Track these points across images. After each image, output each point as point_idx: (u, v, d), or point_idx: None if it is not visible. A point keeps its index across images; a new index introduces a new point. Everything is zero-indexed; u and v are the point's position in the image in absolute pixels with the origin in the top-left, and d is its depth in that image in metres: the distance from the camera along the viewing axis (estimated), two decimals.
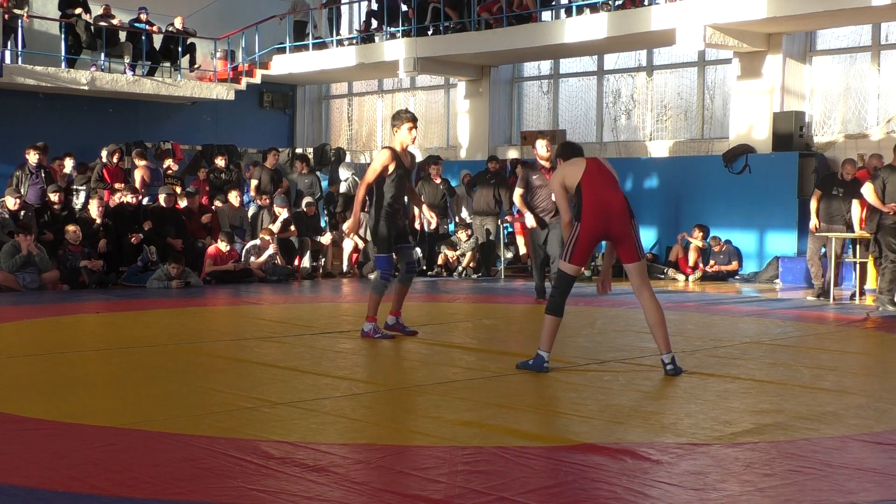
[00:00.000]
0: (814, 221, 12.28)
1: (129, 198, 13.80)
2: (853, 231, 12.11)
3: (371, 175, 8.03)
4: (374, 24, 19.99)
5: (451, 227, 16.70)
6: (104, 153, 15.64)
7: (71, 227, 12.77)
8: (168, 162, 16.88)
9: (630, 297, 12.29)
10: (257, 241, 14.37)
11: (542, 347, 6.63)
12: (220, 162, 16.39)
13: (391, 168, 8.01)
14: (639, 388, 6.12)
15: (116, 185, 14.81)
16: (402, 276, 8.36)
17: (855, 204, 12.02)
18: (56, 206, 13.26)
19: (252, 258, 14.15)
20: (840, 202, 12.14)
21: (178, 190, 15.04)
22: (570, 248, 6.56)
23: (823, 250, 12.67)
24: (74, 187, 15.42)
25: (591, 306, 11.18)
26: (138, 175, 15.25)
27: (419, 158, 19.12)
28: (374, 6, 20.14)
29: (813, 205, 12.32)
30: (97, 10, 18.43)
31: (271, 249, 14.24)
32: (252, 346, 8.00)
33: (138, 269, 13.13)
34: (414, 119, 8.08)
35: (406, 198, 8.41)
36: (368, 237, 15.68)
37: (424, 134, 20.82)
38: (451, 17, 17.99)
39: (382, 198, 8.08)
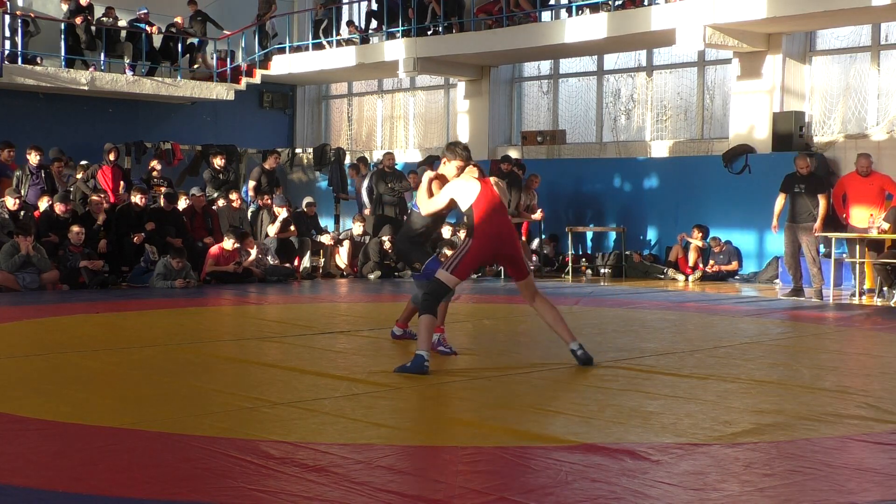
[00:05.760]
0: (773, 222, 12.60)
1: (136, 198, 13.76)
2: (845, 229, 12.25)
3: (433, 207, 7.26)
4: (375, 24, 20.01)
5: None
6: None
7: (75, 228, 12.77)
8: (153, 163, 16.78)
9: (631, 297, 12.35)
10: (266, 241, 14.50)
11: (421, 348, 6.56)
12: (218, 161, 16.26)
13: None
14: (639, 388, 6.12)
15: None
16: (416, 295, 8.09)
17: (821, 200, 12.16)
18: (62, 215, 13.19)
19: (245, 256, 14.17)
20: (804, 198, 12.27)
21: (163, 191, 15.02)
22: (456, 261, 6.71)
23: (824, 250, 12.73)
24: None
25: (590, 306, 11.18)
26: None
27: (419, 158, 19.18)
28: (374, 6, 20.13)
29: (776, 207, 12.52)
30: (98, 10, 18.46)
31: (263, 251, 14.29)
32: (252, 346, 8.01)
33: (142, 269, 13.13)
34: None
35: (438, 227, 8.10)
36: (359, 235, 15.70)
37: (424, 134, 20.84)
38: (450, 18, 18.00)
39: (414, 224, 7.66)
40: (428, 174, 7.31)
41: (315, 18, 20.65)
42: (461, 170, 7.04)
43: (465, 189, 6.85)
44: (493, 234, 6.74)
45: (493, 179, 7.12)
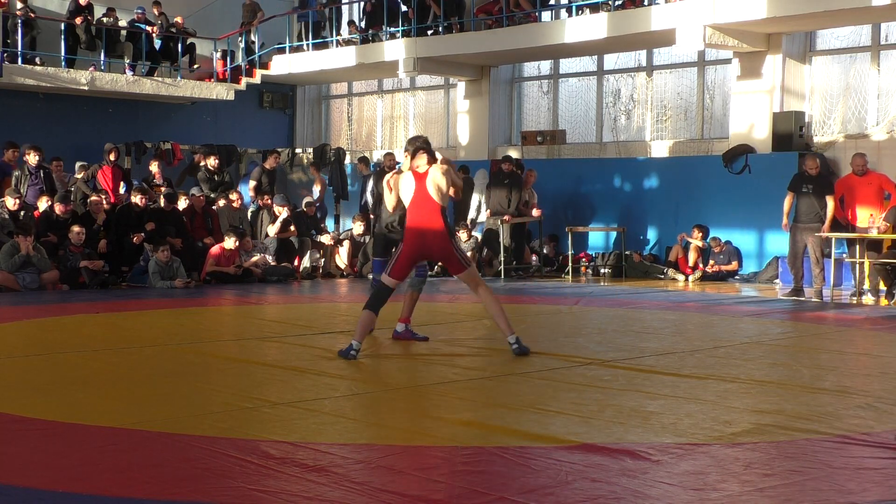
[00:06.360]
0: (784, 220, 12.64)
1: (136, 199, 13.75)
2: (844, 228, 12.27)
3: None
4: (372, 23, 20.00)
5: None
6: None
7: (75, 228, 12.76)
8: (153, 167, 16.76)
9: (631, 297, 12.35)
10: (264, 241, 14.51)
11: (354, 337, 7.11)
12: (211, 162, 16.19)
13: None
14: (639, 388, 6.12)
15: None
16: (413, 281, 8.17)
17: (829, 201, 12.17)
18: (62, 216, 13.17)
19: (245, 257, 14.15)
20: (811, 199, 12.28)
21: (163, 191, 15.02)
22: (391, 263, 7.25)
23: (825, 250, 12.75)
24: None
25: (590, 306, 11.18)
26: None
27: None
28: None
29: (785, 206, 12.56)
30: (99, 10, 18.45)
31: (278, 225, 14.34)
32: (252, 346, 8.01)
33: (142, 269, 13.12)
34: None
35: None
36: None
37: (424, 134, 20.77)
38: (450, 18, 18.00)
39: (386, 212, 7.96)
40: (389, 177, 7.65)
41: (314, 21, 20.59)
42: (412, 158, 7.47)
43: (406, 187, 7.23)
44: (416, 234, 7.15)
45: (436, 168, 7.20)
